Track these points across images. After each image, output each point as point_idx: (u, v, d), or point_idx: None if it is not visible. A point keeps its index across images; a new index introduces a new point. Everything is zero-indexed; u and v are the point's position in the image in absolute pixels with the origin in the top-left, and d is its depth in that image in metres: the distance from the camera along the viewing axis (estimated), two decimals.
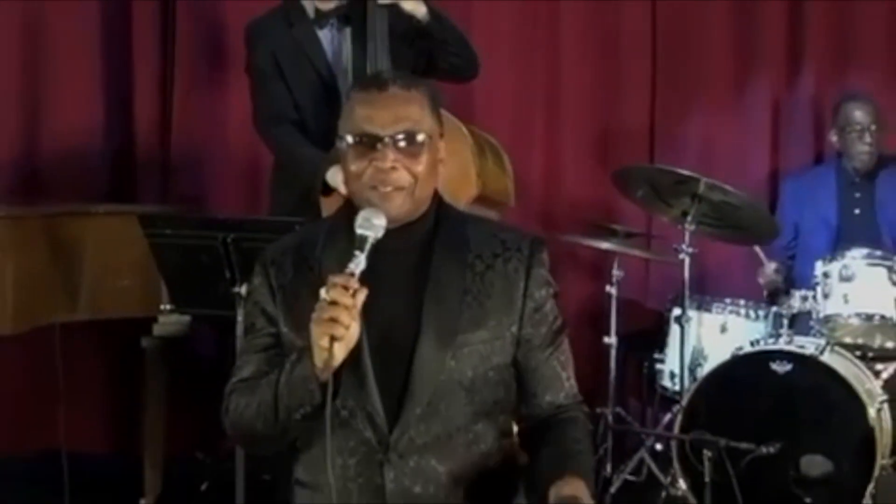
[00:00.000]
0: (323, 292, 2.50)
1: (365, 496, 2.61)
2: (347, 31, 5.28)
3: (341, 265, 2.57)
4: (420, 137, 2.64)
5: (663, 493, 5.52)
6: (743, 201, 5.62)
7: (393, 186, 2.62)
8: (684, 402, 5.35)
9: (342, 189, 5.04)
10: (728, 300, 5.79)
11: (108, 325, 5.81)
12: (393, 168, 2.61)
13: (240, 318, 4.58)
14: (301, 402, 2.55)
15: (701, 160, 6.25)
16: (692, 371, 5.53)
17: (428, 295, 2.64)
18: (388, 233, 2.60)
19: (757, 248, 5.95)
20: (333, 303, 2.47)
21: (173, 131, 6.44)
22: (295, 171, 5.26)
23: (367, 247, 2.54)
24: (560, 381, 2.83)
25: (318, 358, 2.49)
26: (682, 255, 5.56)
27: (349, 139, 2.65)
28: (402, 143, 2.62)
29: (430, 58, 5.21)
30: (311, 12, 5.29)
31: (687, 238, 5.57)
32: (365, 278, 2.51)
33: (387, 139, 2.61)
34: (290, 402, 2.56)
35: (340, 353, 2.48)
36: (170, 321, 5.59)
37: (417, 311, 2.64)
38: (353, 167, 2.66)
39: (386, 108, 2.63)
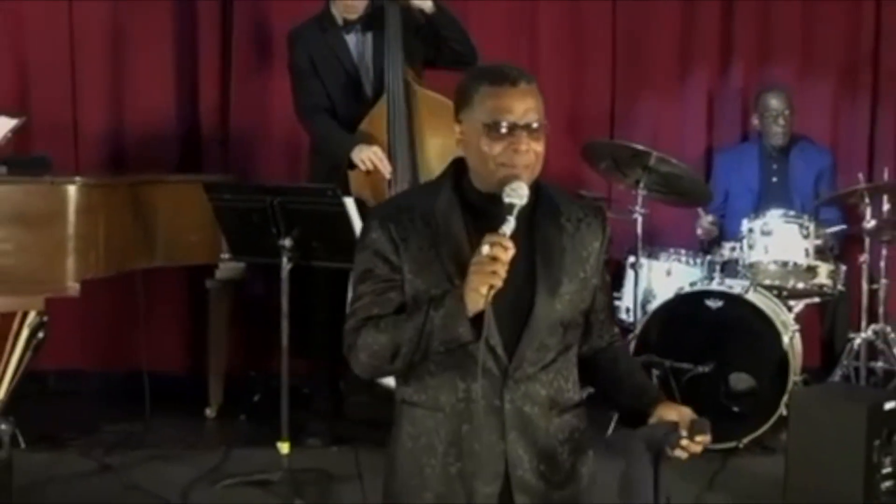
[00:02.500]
0: (485, 248, 2.43)
1: (488, 416, 2.54)
2: (369, 35, 5.32)
3: (457, 225, 2.55)
4: (540, 124, 2.58)
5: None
6: (684, 171, 5.65)
7: (522, 166, 2.55)
8: (637, 331, 5.39)
9: (362, 166, 5.10)
10: (672, 250, 5.81)
11: (179, 271, 5.89)
12: (526, 151, 2.55)
13: (285, 262, 4.64)
14: (452, 337, 2.48)
15: (651, 138, 6.21)
16: (643, 307, 5.56)
17: (538, 254, 2.58)
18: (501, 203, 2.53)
19: (700, 211, 5.96)
20: (494, 258, 2.42)
21: (231, 114, 6.39)
22: (327, 150, 5.31)
23: (515, 212, 2.48)
24: (612, 320, 2.82)
25: (473, 302, 2.44)
26: (635, 215, 5.60)
27: (491, 125, 2.54)
28: (532, 130, 2.55)
29: (437, 48, 5.23)
30: (339, 21, 5.33)
31: (640, 201, 5.59)
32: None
33: (522, 126, 2.54)
34: (441, 337, 2.49)
35: (489, 298, 2.43)
36: (228, 267, 5.64)
37: (531, 267, 2.56)
38: (488, 148, 2.54)
39: (520, 101, 2.54)
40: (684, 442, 2.50)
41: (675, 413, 2.56)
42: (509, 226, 2.47)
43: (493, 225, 2.49)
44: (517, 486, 2.57)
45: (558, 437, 2.62)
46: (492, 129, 2.54)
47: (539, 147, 2.57)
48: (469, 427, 2.55)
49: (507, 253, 2.44)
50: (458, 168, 2.64)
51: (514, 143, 2.53)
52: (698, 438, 2.50)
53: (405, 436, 2.64)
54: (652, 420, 2.57)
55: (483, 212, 2.55)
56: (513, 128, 2.53)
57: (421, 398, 2.61)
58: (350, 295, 2.63)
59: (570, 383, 2.67)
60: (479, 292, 2.43)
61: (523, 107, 2.55)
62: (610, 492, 2.62)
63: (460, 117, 2.61)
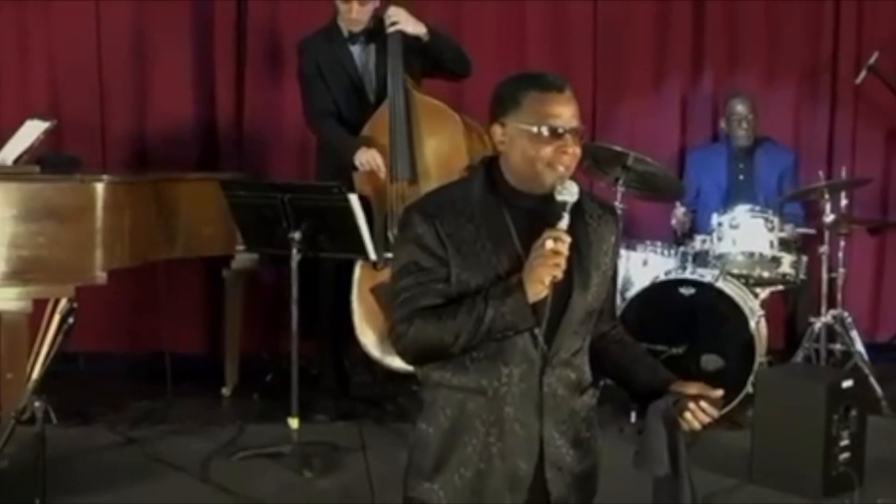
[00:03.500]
0: (549, 243, 2.41)
1: (526, 397, 2.53)
2: (372, 46, 5.33)
3: (499, 220, 2.52)
4: (581, 130, 2.56)
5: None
6: (659, 170, 5.67)
7: (566, 166, 2.52)
8: (617, 315, 5.38)
9: (361, 168, 5.11)
10: (648, 242, 5.79)
11: (197, 262, 5.90)
12: (572, 153, 2.52)
13: (294, 254, 4.64)
14: (513, 325, 2.46)
15: (629, 139, 6.21)
16: (622, 294, 5.55)
17: (572, 249, 2.51)
18: (533, 198, 2.54)
19: (677, 204, 5.97)
20: (558, 252, 2.41)
21: (245, 117, 6.39)
22: (334, 151, 5.31)
23: (569, 208, 2.48)
24: (613, 305, 2.81)
25: (535, 292, 2.43)
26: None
27: (543, 130, 2.51)
28: (576, 135, 2.53)
29: (434, 65, 5.24)
30: (345, 33, 5.33)
31: (619, 197, 5.57)
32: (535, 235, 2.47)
33: (569, 130, 2.52)
34: (504, 326, 2.46)
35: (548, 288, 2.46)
36: (243, 258, 5.64)
37: (567, 261, 2.51)
38: (536, 151, 2.51)
39: (567, 107, 2.52)
40: (692, 406, 2.51)
41: (694, 388, 2.55)
42: (565, 221, 2.47)
43: (537, 221, 2.48)
44: (549, 462, 2.57)
45: (581, 416, 2.63)
46: (543, 132, 2.52)
47: (578, 149, 2.55)
48: (511, 409, 2.54)
49: (566, 246, 2.44)
50: (489, 167, 2.61)
51: (562, 146, 2.51)
52: (703, 404, 2.50)
53: (442, 416, 2.59)
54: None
55: (526, 209, 2.53)
56: (562, 132, 2.51)
57: (462, 382, 2.56)
58: (398, 284, 2.56)
59: (587, 365, 2.66)
60: (544, 283, 2.43)
61: (570, 112, 2.53)
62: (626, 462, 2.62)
63: (504, 121, 2.56)
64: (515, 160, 2.56)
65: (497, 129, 2.58)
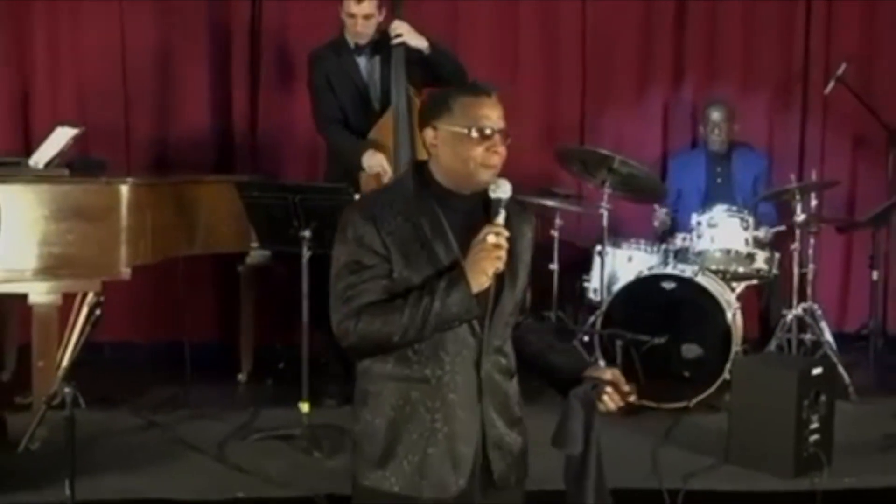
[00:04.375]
0: (491, 237, 2.43)
1: (467, 383, 2.53)
2: (377, 58, 5.32)
3: (431, 217, 2.51)
4: (506, 131, 2.57)
5: None
6: (643, 173, 5.66)
7: (495, 165, 2.53)
8: (603, 308, 5.39)
9: (369, 170, 5.11)
10: (633, 240, 5.78)
11: (214, 258, 5.88)
12: (501, 153, 2.53)
13: (305, 251, 4.63)
14: (458, 316, 2.45)
15: (615, 143, 6.23)
16: (609, 288, 5.55)
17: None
18: (466, 198, 2.54)
19: (655, 206, 5.97)
20: (498, 245, 2.43)
21: (259, 123, 6.39)
22: (341, 155, 5.31)
23: (503, 204, 2.49)
24: (525, 298, 2.77)
25: (479, 284, 2.44)
26: (601, 210, 5.58)
27: (473, 132, 2.50)
28: (503, 136, 2.54)
29: (434, 76, 5.23)
30: (351, 45, 5.33)
31: (605, 198, 5.58)
32: (471, 232, 2.47)
33: (499, 132, 2.52)
34: (448, 317, 2.45)
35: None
36: (256, 254, 5.65)
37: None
38: (468, 151, 2.51)
39: (494, 110, 2.53)
40: (609, 390, 2.52)
41: (609, 374, 2.56)
42: (502, 216, 2.49)
43: (469, 219, 2.49)
44: (491, 442, 2.58)
45: (513, 398, 2.64)
46: (473, 133, 2.52)
47: (504, 149, 2.56)
48: (453, 395, 2.53)
49: (504, 239, 2.46)
50: (418, 170, 2.61)
51: (492, 146, 2.52)
52: (624, 388, 2.52)
53: (387, 406, 2.56)
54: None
55: (458, 208, 2.54)
56: (493, 133, 2.52)
57: (405, 372, 2.54)
58: (341, 282, 2.52)
59: (512, 353, 2.67)
60: (487, 275, 2.44)
61: (497, 114, 2.54)
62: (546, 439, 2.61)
63: (436, 124, 2.56)
64: (447, 161, 2.55)
65: (429, 133, 2.57)
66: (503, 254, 2.45)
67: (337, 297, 2.53)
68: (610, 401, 2.54)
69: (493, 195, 2.51)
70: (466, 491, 2.57)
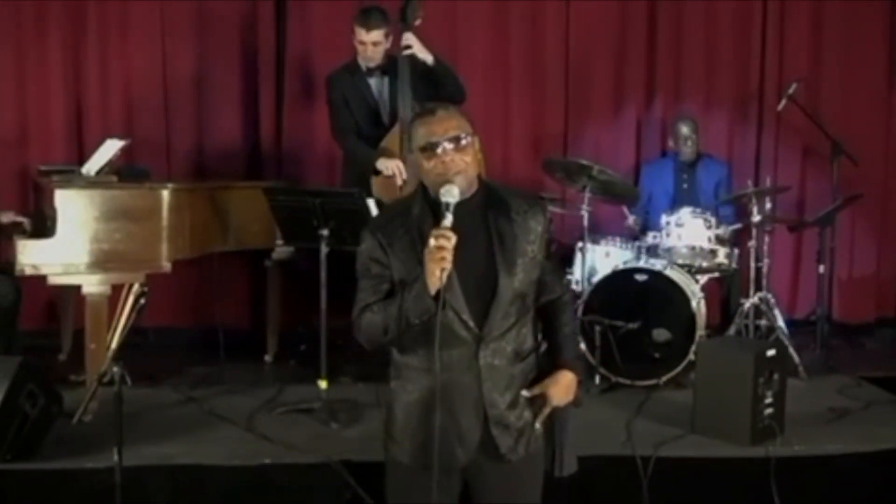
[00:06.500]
0: (432, 241, 2.37)
1: (466, 372, 2.54)
2: (386, 79, 5.31)
3: (428, 226, 2.47)
4: (463, 138, 2.50)
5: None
6: (618, 179, 5.64)
7: (453, 173, 2.47)
8: (584, 298, 5.35)
9: (387, 172, 5.09)
10: (610, 237, 5.75)
11: (245, 253, 5.83)
12: (451, 160, 2.47)
13: (323, 247, 4.63)
14: (420, 312, 2.44)
15: (594, 154, 6.20)
16: (588, 280, 5.53)
17: (494, 241, 2.52)
18: (459, 203, 2.46)
19: (625, 210, 5.95)
20: (440, 247, 2.37)
21: (283, 135, 6.35)
22: (356, 162, 5.29)
23: (451, 208, 2.42)
24: (559, 279, 2.76)
25: (431, 284, 2.40)
26: (582, 212, 5.54)
27: (423, 147, 2.49)
28: (455, 142, 2.48)
29: (435, 89, 5.21)
30: (364, 68, 5.31)
31: (586, 201, 5.53)
32: (454, 232, 2.40)
33: (444, 141, 2.48)
34: (412, 313, 2.45)
35: (444, 278, 2.38)
36: (282, 251, 5.61)
37: (490, 252, 2.51)
38: (425, 166, 2.50)
39: (440, 124, 2.49)
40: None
41: (551, 387, 2.63)
42: (448, 220, 2.43)
43: (461, 225, 2.44)
44: (493, 422, 2.58)
45: (521, 379, 2.62)
46: (424, 150, 2.51)
47: (466, 157, 2.50)
48: (456, 381, 2.53)
49: (451, 242, 2.39)
50: (425, 188, 2.59)
51: (441, 157, 2.49)
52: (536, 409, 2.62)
53: (402, 391, 2.62)
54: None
55: (441, 216, 2.50)
56: (436, 145, 2.48)
57: (415, 363, 2.58)
58: (358, 287, 2.62)
59: (529, 336, 2.65)
60: (434, 275, 2.39)
61: (443, 127, 2.50)
62: None
63: (411, 149, 2.58)
64: (423, 178, 2.56)
65: (410, 158, 2.61)
66: (447, 254, 2.38)
67: (355, 300, 2.61)
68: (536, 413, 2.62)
69: (441, 199, 2.47)
70: (474, 462, 2.60)
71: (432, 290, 2.42)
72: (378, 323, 2.53)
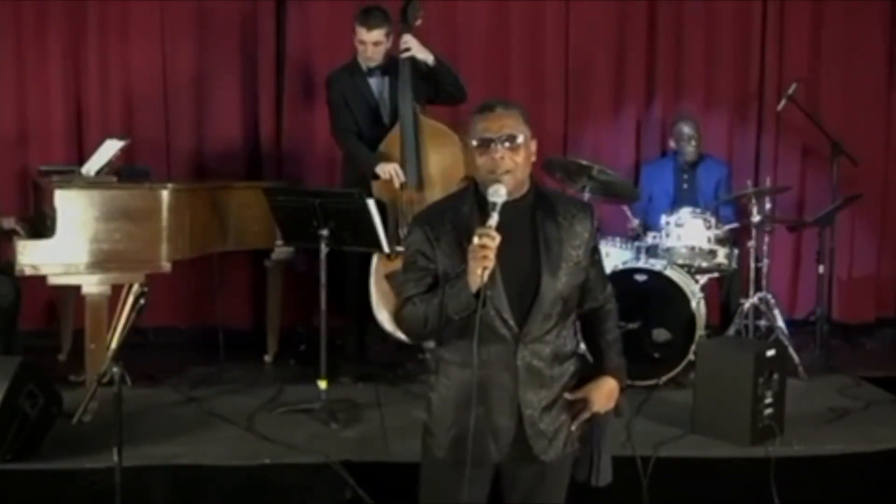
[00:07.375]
0: (476, 239, 2.37)
1: (504, 370, 2.54)
2: (386, 79, 5.31)
3: (475, 223, 2.47)
4: (517, 137, 2.50)
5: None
6: (618, 179, 5.62)
7: (502, 172, 2.47)
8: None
9: (385, 176, 5.08)
10: (610, 238, 5.75)
11: (244, 253, 5.85)
12: (501, 158, 2.48)
13: (323, 247, 4.61)
14: (460, 308, 2.44)
15: (594, 154, 6.19)
16: None
17: (541, 244, 2.52)
18: (508, 203, 2.46)
19: (626, 210, 5.94)
20: (484, 246, 2.37)
21: (283, 136, 6.35)
22: (356, 163, 5.29)
23: (498, 208, 2.42)
24: (603, 285, 2.74)
25: (473, 282, 2.39)
26: None
27: (475, 143, 2.51)
28: (509, 142, 2.49)
29: (436, 90, 5.22)
30: (364, 68, 5.31)
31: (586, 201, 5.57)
32: (499, 232, 2.40)
33: (497, 139, 2.48)
34: (452, 309, 2.45)
35: (485, 277, 2.38)
36: (281, 250, 5.61)
37: (535, 254, 2.51)
38: (478, 162, 2.51)
39: (496, 121, 2.50)
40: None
41: (592, 392, 2.64)
42: (494, 219, 2.42)
43: (508, 222, 2.44)
44: (527, 421, 2.58)
45: (560, 381, 2.61)
46: (478, 145, 2.52)
47: (518, 157, 2.51)
48: (493, 378, 2.54)
49: (494, 241, 2.39)
50: (476, 182, 2.60)
51: (492, 153, 2.50)
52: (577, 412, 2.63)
53: (442, 385, 2.63)
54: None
55: (488, 215, 2.49)
56: (489, 141, 2.49)
57: (454, 358, 2.58)
58: (403, 277, 2.62)
59: (569, 339, 2.64)
60: (476, 274, 2.39)
61: (498, 125, 2.51)
62: None
63: (469, 142, 2.58)
64: (476, 174, 2.57)
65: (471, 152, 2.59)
66: (489, 253, 2.38)
67: (398, 292, 2.65)
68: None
69: (489, 199, 2.47)
70: (506, 459, 2.61)
71: (473, 288, 2.42)
72: (419, 315, 2.54)
